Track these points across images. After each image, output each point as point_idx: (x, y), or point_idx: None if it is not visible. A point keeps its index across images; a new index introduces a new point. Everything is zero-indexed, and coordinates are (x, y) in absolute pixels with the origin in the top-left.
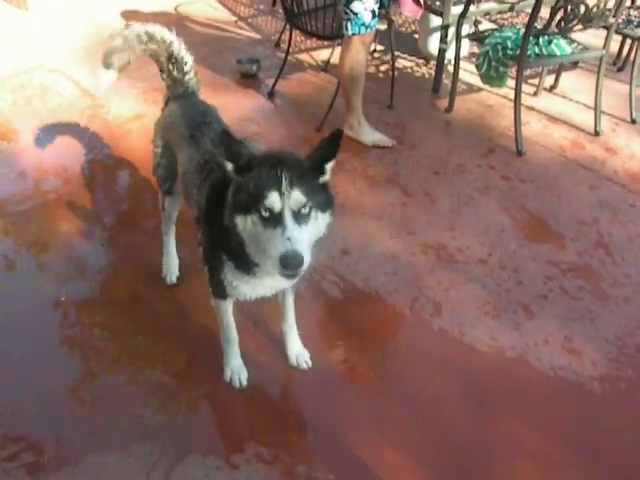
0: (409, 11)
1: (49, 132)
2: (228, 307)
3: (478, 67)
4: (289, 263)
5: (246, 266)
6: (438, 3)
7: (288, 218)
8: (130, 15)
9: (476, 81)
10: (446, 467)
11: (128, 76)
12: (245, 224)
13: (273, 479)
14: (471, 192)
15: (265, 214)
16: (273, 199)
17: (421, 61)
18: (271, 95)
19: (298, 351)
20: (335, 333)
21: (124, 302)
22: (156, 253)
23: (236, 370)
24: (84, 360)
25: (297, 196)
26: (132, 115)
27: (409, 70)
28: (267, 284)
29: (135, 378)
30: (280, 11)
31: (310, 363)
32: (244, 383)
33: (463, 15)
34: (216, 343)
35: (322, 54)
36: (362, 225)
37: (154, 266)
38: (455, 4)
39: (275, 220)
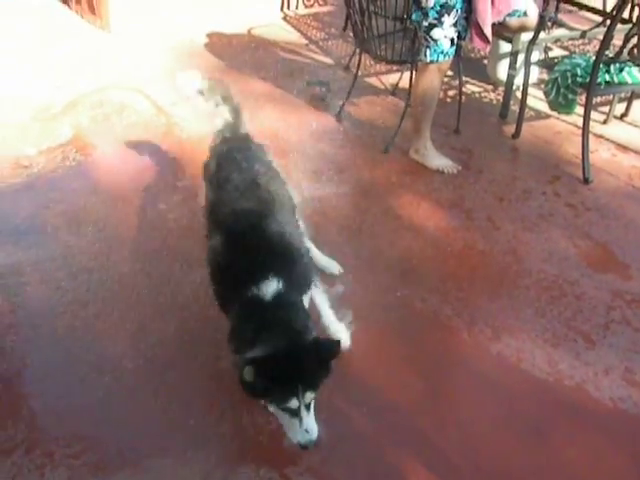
0: (478, 45)
1: (124, 148)
2: None
3: (546, 94)
4: (308, 448)
5: None
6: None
7: (304, 412)
8: (207, 37)
9: (544, 108)
10: None
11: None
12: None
13: None
14: (535, 219)
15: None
16: (292, 403)
17: (489, 87)
18: (339, 116)
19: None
20: (391, 352)
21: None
22: None
23: None
24: (150, 363)
25: (311, 395)
26: (205, 133)
27: (477, 95)
28: None
29: (199, 386)
30: (350, 35)
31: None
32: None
33: (533, 42)
34: None
35: (391, 78)
36: (424, 248)
37: None
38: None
39: (292, 412)
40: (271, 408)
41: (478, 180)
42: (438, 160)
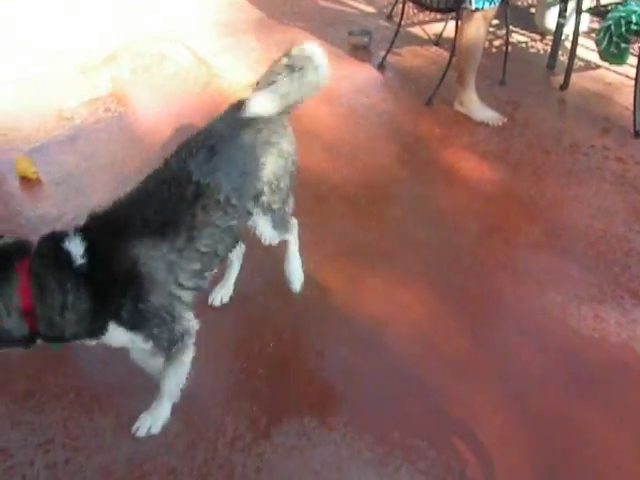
0: None
1: (164, 99)
2: None
3: (598, 43)
4: None
5: None
6: None
7: None
8: None
9: (594, 58)
10: (539, 445)
11: (242, 45)
12: None
13: (367, 442)
14: (582, 173)
15: None
16: None
17: (537, 36)
18: (381, 67)
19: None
20: (435, 306)
21: None
22: None
23: None
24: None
25: None
26: (246, 84)
27: (523, 45)
28: None
29: (249, 340)
30: None
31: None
32: None
33: None
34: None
35: (434, 27)
36: (468, 201)
37: None
38: None
39: None
40: None
41: (524, 133)
42: (483, 112)
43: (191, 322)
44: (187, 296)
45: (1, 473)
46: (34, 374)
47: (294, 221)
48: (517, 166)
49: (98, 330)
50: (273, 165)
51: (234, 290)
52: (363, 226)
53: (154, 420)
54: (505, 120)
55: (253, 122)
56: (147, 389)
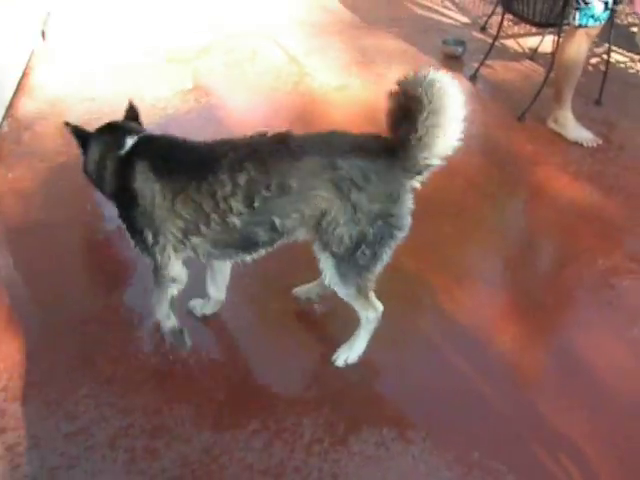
0: None
1: (254, 94)
2: None
3: None
4: None
5: None
6: None
7: None
8: None
9: None
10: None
11: (331, 47)
12: None
13: (447, 460)
14: None
15: None
16: None
17: (636, 56)
18: (473, 79)
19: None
20: (524, 325)
21: None
22: None
23: None
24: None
25: None
26: (336, 85)
27: (622, 65)
28: None
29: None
30: None
31: None
32: None
33: None
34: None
35: (529, 41)
36: (557, 220)
37: None
38: None
39: None
40: None
41: (619, 155)
42: (578, 132)
43: (174, 268)
44: (180, 242)
45: (82, 451)
46: (118, 358)
47: (373, 299)
48: (610, 189)
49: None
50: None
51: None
52: (448, 238)
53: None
54: (600, 142)
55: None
56: (232, 381)
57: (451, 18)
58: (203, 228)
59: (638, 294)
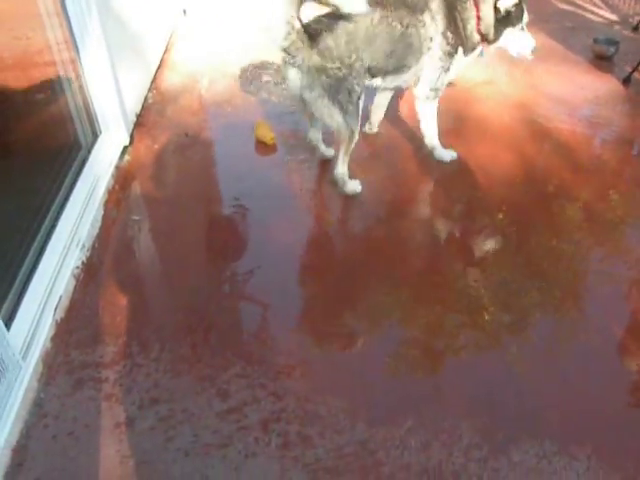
0: None
1: None
2: None
3: None
4: None
5: None
6: None
7: None
8: None
9: None
10: None
11: None
12: None
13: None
14: None
15: None
16: None
17: None
18: (627, 82)
19: None
20: None
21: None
22: None
23: None
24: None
25: None
26: (481, 80)
27: None
28: None
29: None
30: None
31: None
32: None
33: None
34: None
35: None
36: None
37: None
38: None
39: None
40: None
41: None
42: None
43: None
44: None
45: (234, 431)
46: (268, 341)
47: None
48: None
49: None
50: None
51: None
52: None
53: None
54: None
55: None
56: (380, 378)
57: (600, 16)
58: None
59: None
